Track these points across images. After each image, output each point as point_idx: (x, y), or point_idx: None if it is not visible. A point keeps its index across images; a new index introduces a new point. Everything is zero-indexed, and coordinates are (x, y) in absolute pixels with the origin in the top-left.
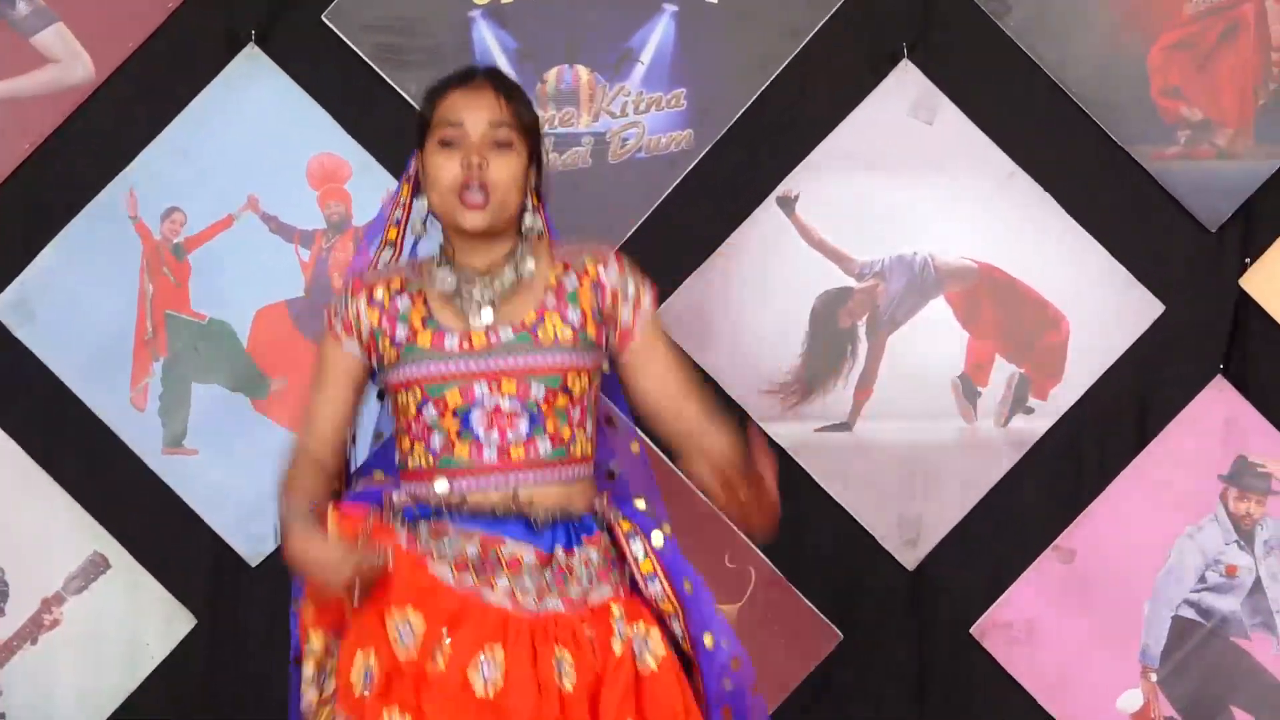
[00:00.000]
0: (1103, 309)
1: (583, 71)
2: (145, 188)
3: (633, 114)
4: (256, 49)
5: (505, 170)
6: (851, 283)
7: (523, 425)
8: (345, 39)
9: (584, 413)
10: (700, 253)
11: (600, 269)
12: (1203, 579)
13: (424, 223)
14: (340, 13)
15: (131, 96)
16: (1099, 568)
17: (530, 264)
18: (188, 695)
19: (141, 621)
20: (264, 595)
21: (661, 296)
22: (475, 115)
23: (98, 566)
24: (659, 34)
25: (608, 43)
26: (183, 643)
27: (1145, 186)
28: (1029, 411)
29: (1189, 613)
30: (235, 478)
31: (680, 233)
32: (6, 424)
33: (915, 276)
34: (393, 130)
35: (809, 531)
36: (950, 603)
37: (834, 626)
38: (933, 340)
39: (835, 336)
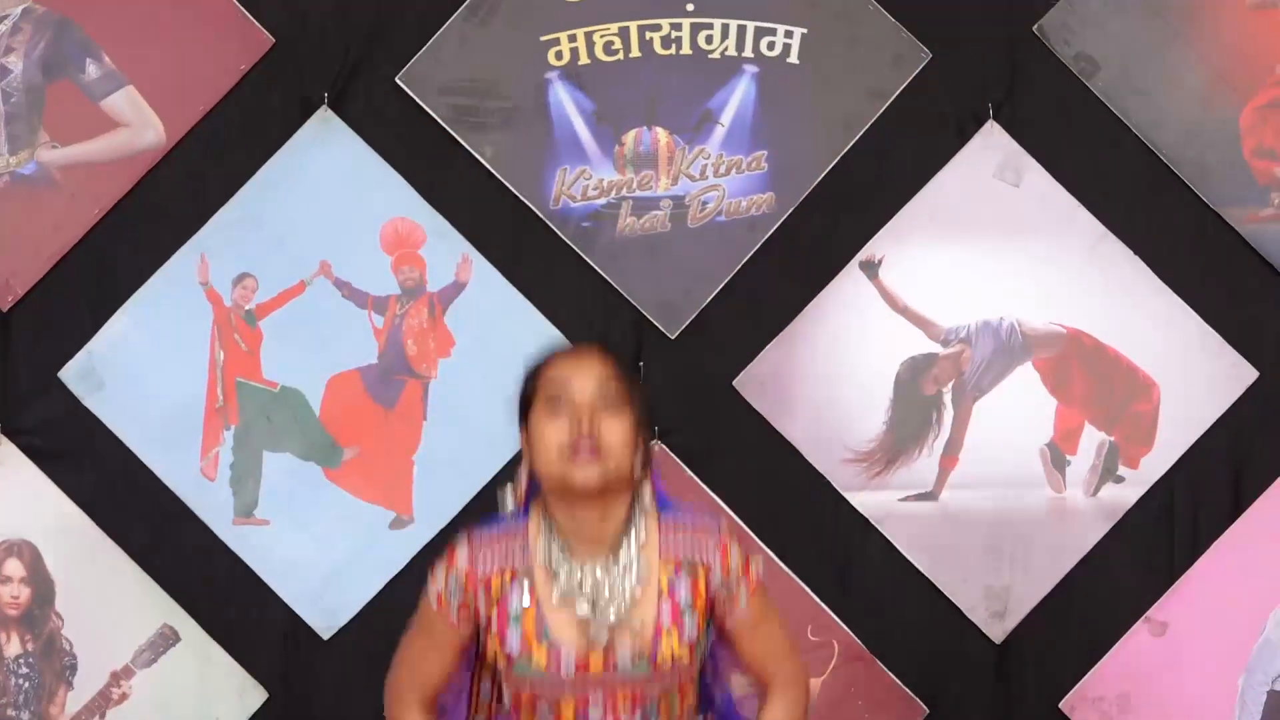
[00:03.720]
0: (1195, 375)
1: (661, 134)
2: (216, 253)
3: (712, 177)
4: (329, 112)
5: (617, 430)
6: (937, 349)
7: (638, 718)
8: (419, 101)
9: (693, 685)
10: (781, 319)
11: (715, 566)
12: None
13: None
14: (414, 75)
15: (202, 161)
16: (1192, 641)
17: (638, 557)
18: None
19: (212, 695)
20: (336, 668)
21: (741, 364)
22: (583, 379)
23: (167, 639)
24: (739, 95)
25: (687, 104)
26: (255, 716)
27: (1238, 249)
28: (1119, 480)
29: None
30: (307, 548)
31: (761, 298)
32: (76, 494)
33: (1002, 342)
34: (468, 194)
35: (893, 603)
36: (1039, 676)
37: (920, 701)
38: (1020, 407)
39: (920, 404)
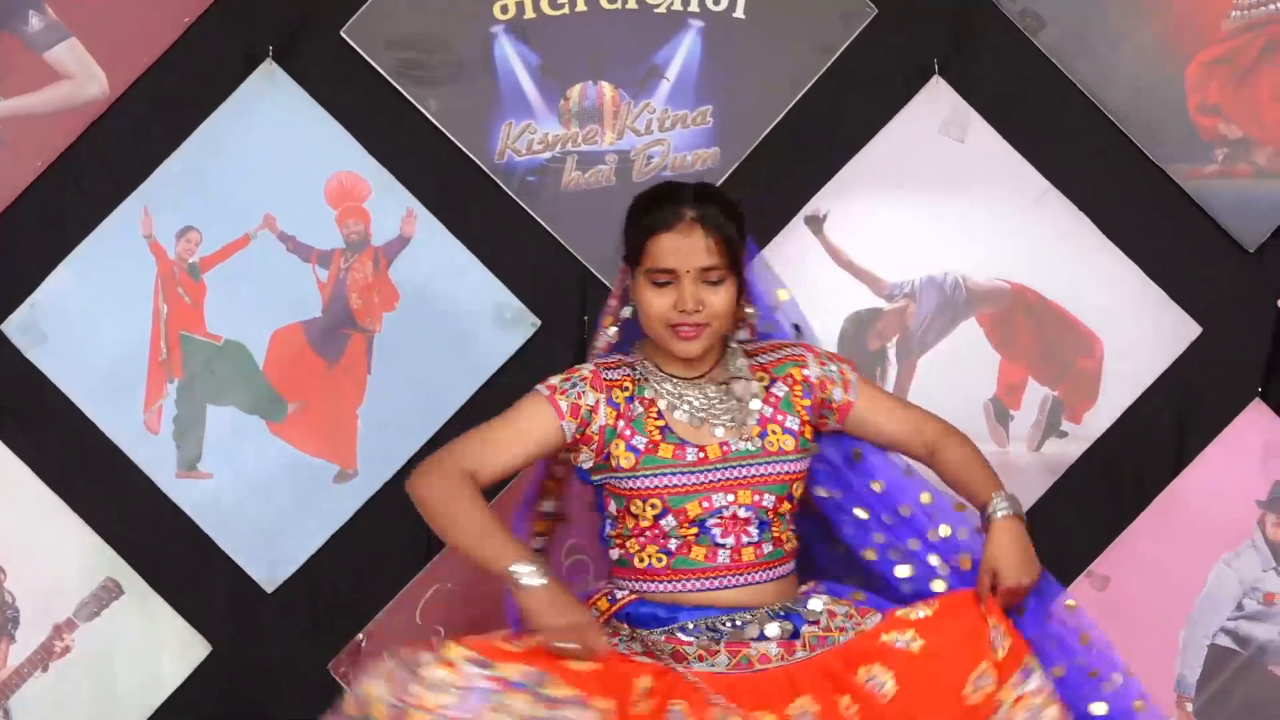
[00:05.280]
0: (1138, 331)
1: (607, 88)
2: (160, 206)
3: (658, 131)
4: (274, 66)
5: (718, 304)
6: (881, 304)
7: (754, 530)
8: (365, 55)
9: (795, 515)
10: None
11: (803, 371)
12: (1240, 606)
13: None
14: (360, 29)
15: (146, 114)
16: (1134, 595)
17: (745, 381)
18: None
19: (155, 648)
20: (279, 621)
21: None
22: (688, 260)
23: (110, 592)
24: (685, 50)
25: (632, 59)
26: (198, 670)
27: (1182, 206)
28: (1062, 435)
29: (1226, 641)
30: (251, 502)
31: None
32: (17, 447)
33: (946, 298)
34: (413, 148)
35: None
36: None
37: None
38: (964, 363)
39: (864, 359)
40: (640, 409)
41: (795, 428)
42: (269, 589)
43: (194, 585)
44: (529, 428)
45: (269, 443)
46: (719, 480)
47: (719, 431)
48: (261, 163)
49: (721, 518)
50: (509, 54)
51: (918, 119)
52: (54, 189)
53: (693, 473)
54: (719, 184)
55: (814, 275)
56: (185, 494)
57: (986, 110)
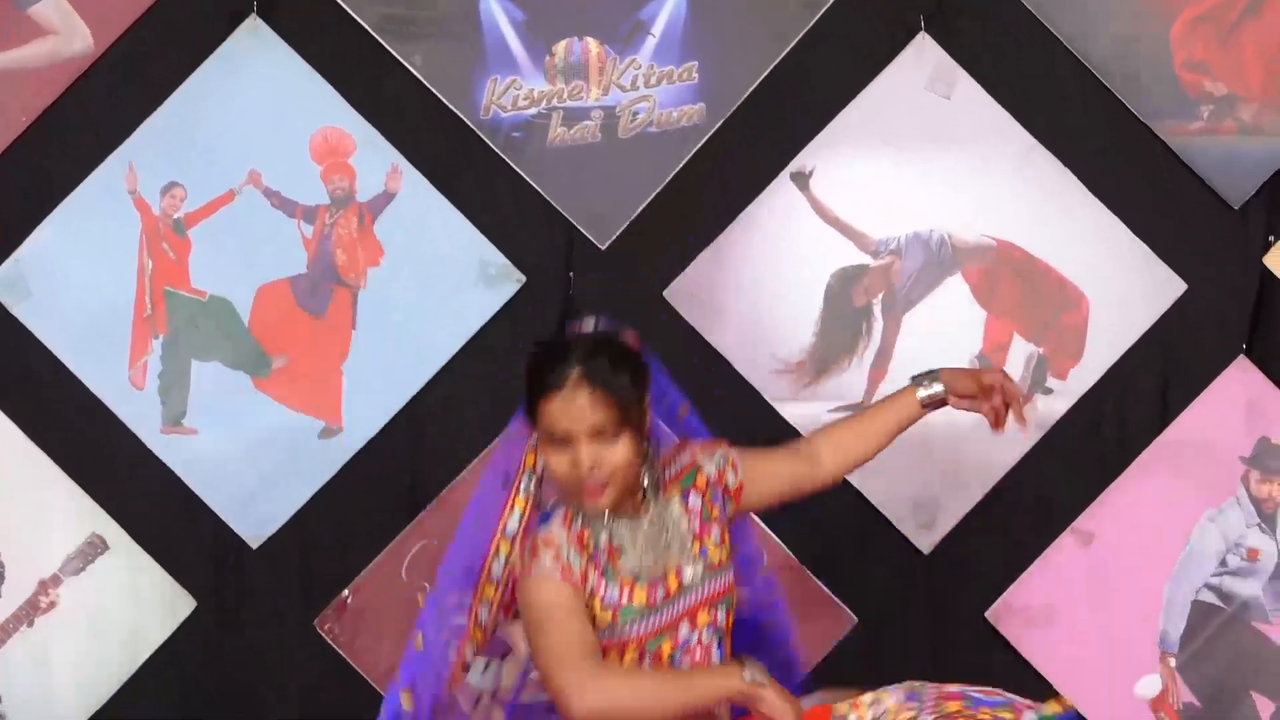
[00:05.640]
0: (1123, 288)
1: (592, 44)
2: (145, 162)
3: (643, 88)
4: (259, 21)
5: (617, 460)
6: (867, 260)
7: (714, 651)
8: (350, 11)
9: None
10: (712, 229)
11: (703, 474)
12: (1223, 563)
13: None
14: None
15: (131, 69)
16: (1118, 551)
17: (674, 509)
18: (188, 677)
19: (140, 603)
20: (265, 578)
21: (671, 274)
22: (578, 422)
23: (96, 548)
24: (670, 6)
25: (618, 15)
26: (183, 625)
27: (1167, 162)
28: (1048, 392)
29: (1209, 597)
30: (236, 458)
31: (691, 209)
32: (3, 402)
33: (932, 254)
34: (398, 103)
35: (823, 514)
36: (966, 587)
37: (848, 610)
38: (950, 319)
39: (850, 315)
40: (605, 557)
41: (718, 537)
42: (254, 545)
43: (179, 541)
44: (576, 607)
45: (254, 398)
46: (682, 611)
47: (672, 563)
48: (246, 118)
49: (688, 648)
50: (494, 9)
51: (903, 75)
52: (38, 145)
53: (661, 612)
54: (705, 140)
55: (799, 231)
56: (170, 450)
57: (972, 67)
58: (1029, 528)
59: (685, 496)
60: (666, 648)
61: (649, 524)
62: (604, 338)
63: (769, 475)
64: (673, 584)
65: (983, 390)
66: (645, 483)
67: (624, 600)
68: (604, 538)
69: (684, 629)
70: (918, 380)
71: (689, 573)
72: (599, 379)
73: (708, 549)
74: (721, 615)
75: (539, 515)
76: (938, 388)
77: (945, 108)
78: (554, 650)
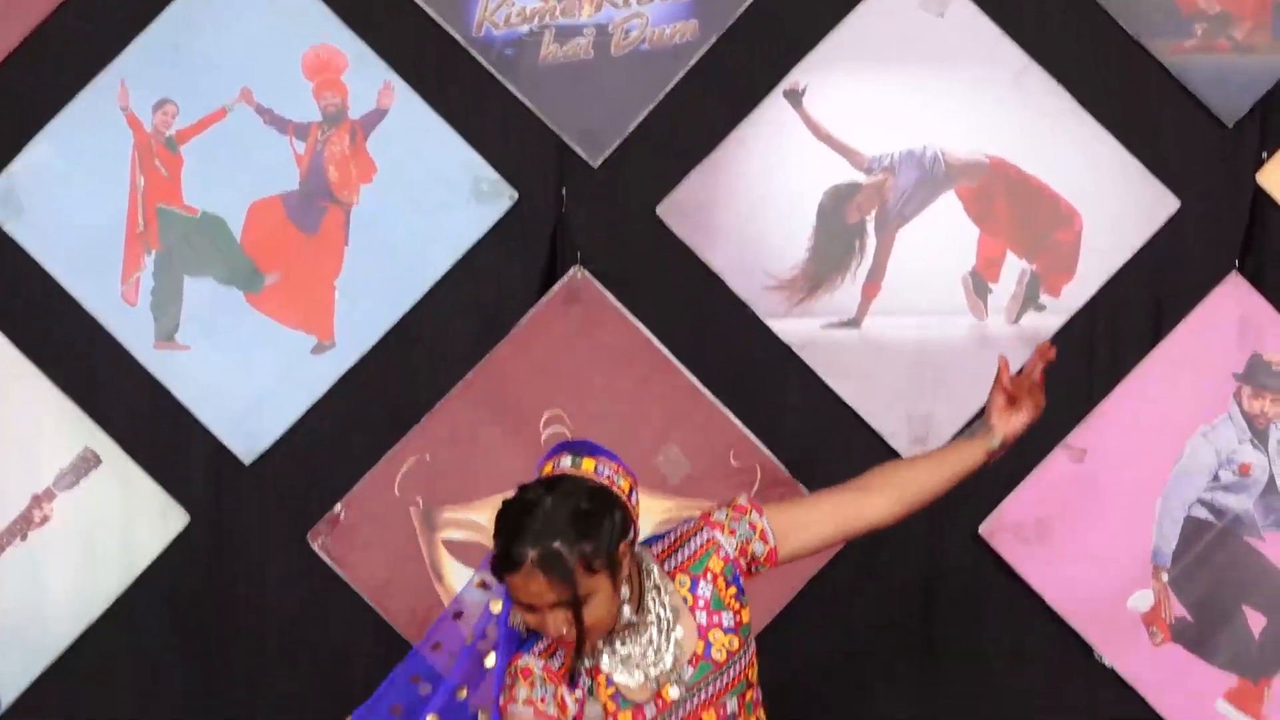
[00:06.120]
0: (1116, 205)
1: None
2: (137, 79)
3: (636, 4)
4: None
5: (590, 618)
6: (860, 177)
7: None
8: None
9: (757, 686)
10: (704, 147)
11: (720, 554)
12: (1216, 478)
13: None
14: None
15: None
16: (1110, 467)
17: (670, 611)
18: (181, 592)
19: (134, 518)
20: (258, 493)
21: (664, 191)
22: (539, 598)
23: (89, 463)
24: None
25: None
26: (176, 540)
27: (1161, 80)
28: (1040, 308)
29: (1201, 512)
30: (229, 374)
31: (684, 127)
32: None
33: (925, 171)
34: (390, 20)
35: (816, 429)
36: (959, 503)
37: None
38: (943, 236)
39: (843, 232)
40: (589, 681)
41: (732, 623)
42: (247, 460)
43: (172, 456)
44: None
45: (246, 314)
46: (684, 715)
47: (665, 679)
48: (238, 35)
49: None
50: None
51: None
52: (31, 61)
53: None
54: (697, 58)
55: (792, 149)
56: (163, 365)
57: None
58: (1021, 443)
59: (694, 585)
60: None
61: (638, 643)
62: (568, 497)
63: (809, 524)
64: (669, 692)
65: (1014, 394)
66: (646, 564)
67: None
68: (588, 663)
69: None
70: (972, 433)
71: (688, 677)
72: (553, 566)
73: (712, 646)
74: (733, 704)
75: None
76: (995, 441)
77: (938, 26)
78: None
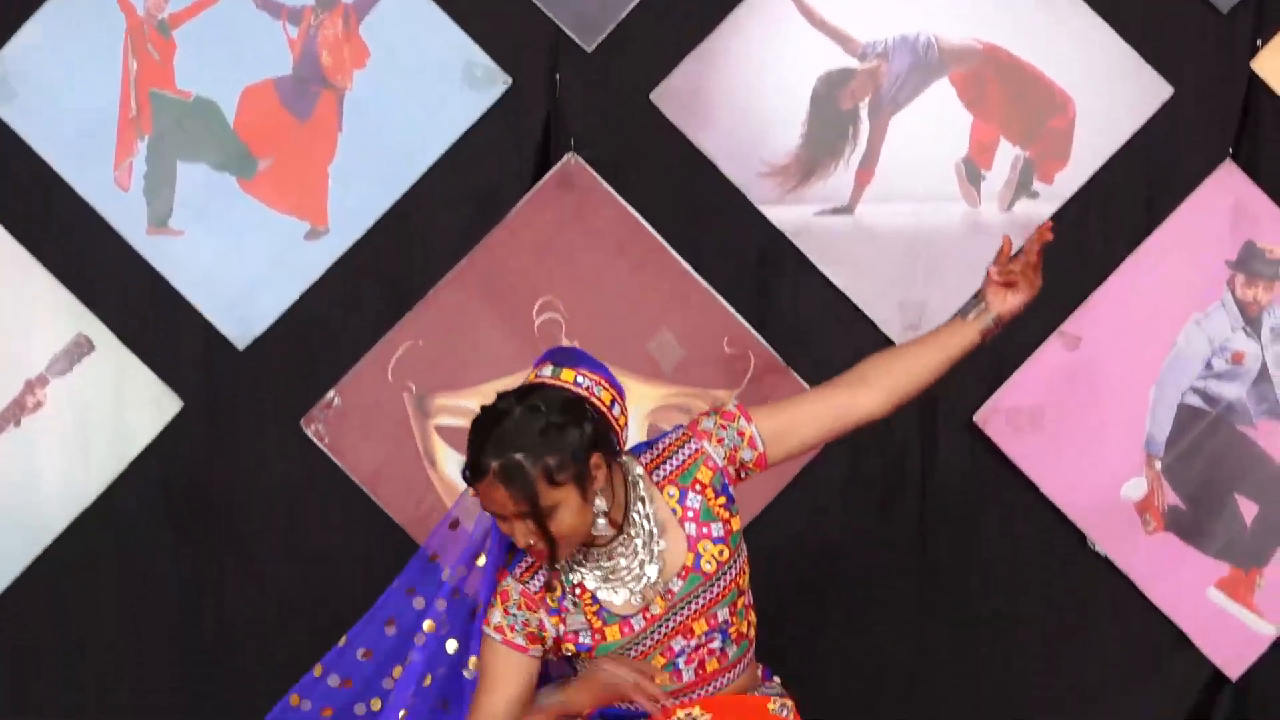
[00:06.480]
0: (1110, 92)
1: None
2: None
3: None
4: None
5: (558, 530)
6: (853, 63)
7: (715, 645)
8: None
9: (748, 590)
10: (699, 33)
11: (708, 465)
12: (1209, 366)
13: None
14: None
15: None
16: (1104, 355)
17: (657, 523)
18: (174, 477)
19: (127, 404)
20: (251, 378)
21: (658, 77)
22: (504, 508)
23: (82, 348)
24: None
25: None
26: (170, 425)
27: None
28: (1033, 195)
29: (1195, 400)
30: (223, 259)
31: (679, 12)
32: None
33: (919, 57)
34: None
35: (809, 316)
36: (954, 390)
37: None
38: (936, 122)
39: (836, 118)
40: (572, 599)
41: (721, 533)
42: (241, 346)
43: (166, 342)
44: (507, 676)
45: (240, 200)
46: (674, 627)
47: (651, 593)
48: None
49: (689, 656)
50: None
51: None
52: None
53: (647, 637)
54: None
55: (786, 35)
56: (156, 251)
57: None
58: (1015, 330)
59: (683, 497)
60: (659, 660)
61: (623, 557)
62: (536, 408)
63: (799, 424)
64: (659, 605)
65: (1011, 277)
66: (632, 474)
67: (597, 641)
68: (573, 579)
69: (679, 643)
70: (965, 312)
71: (679, 589)
72: (514, 477)
73: (702, 557)
74: (724, 613)
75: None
76: (989, 317)
77: None
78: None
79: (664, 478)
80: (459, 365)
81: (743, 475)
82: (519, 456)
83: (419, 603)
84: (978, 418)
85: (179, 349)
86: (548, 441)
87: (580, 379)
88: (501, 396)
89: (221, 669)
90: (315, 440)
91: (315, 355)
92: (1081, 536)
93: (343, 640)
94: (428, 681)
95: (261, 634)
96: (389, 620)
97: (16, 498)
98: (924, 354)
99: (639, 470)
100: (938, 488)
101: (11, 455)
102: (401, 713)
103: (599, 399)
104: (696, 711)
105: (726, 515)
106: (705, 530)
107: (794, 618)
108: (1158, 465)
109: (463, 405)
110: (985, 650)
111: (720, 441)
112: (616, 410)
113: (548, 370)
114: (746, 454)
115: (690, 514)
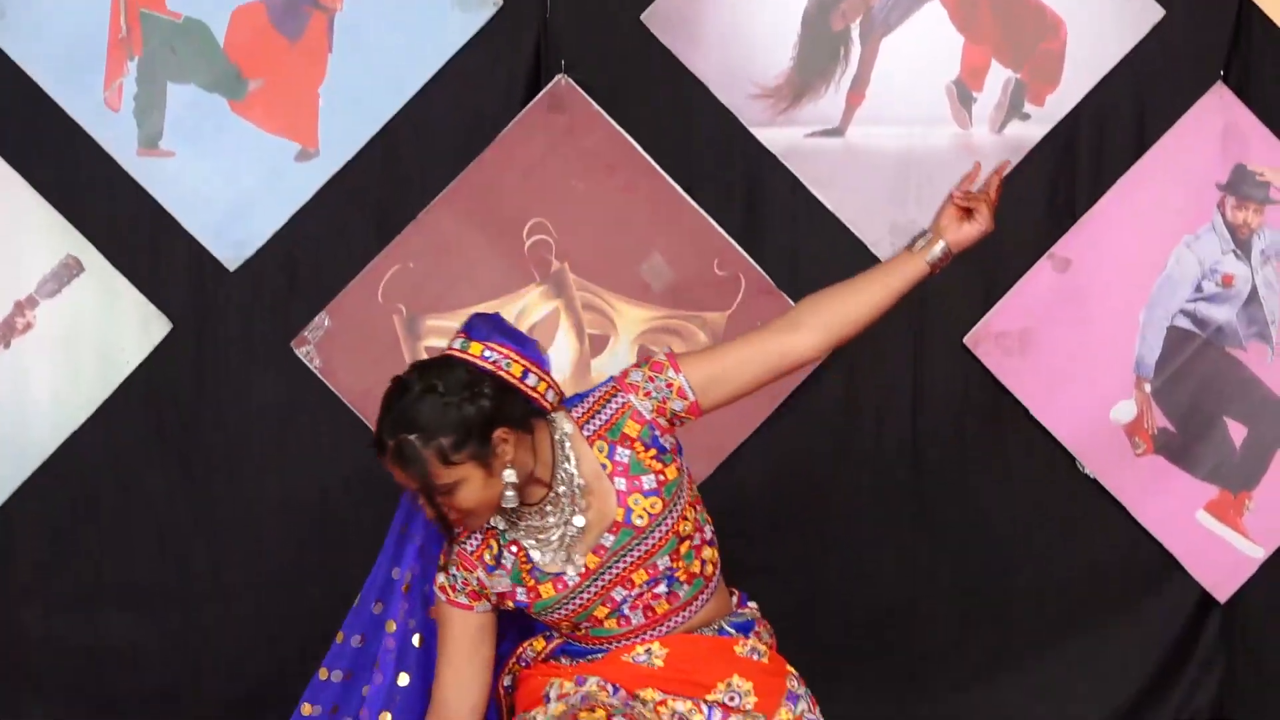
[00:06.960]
0: (1101, 13)
1: None
2: None
3: None
4: None
5: (462, 503)
6: None
7: (661, 589)
8: None
9: (701, 529)
10: None
11: (635, 419)
12: (1199, 289)
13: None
14: None
15: None
16: (1094, 277)
17: (583, 480)
18: (164, 399)
19: (117, 325)
20: (241, 299)
21: None
22: (407, 482)
23: (71, 270)
24: None
25: None
26: (159, 347)
27: None
28: (1025, 118)
29: (1184, 323)
30: (213, 181)
31: None
32: None
33: None
34: None
35: (799, 237)
36: (944, 312)
37: None
38: (927, 44)
39: (827, 39)
40: (510, 558)
41: (654, 484)
42: (231, 267)
43: (156, 263)
44: (459, 635)
45: (230, 121)
46: (612, 578)
47: (579, 551)
48: None
49: (634, 603)
50: None
51: None
52: None
53: (584, 591)
54: None
55: None
56: (146, 172)
57: None
58: (1005, 253)
59: (612, 451)
60: (601, 611)
61: (551, 515)
62: (433, 387)
63: (731, 371)
64: (592, 560)
65: (969, 208)
66: (559, 432)
67: (533, 598)
68: (508, 537)
69: (619, 593)
70: (912, 244)
71: (610, 544)
72: (408, 458)
73: (632, 512)
74: (665, 560)
75: None
76: (938, 246)
77: None
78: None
79: (594, 432)
80: (449, 287)
81: (675, 424)
82: (412, 437)
83: (396, 573)
84: (968, 340)
85: (169, 271)
86: (443, 421)
87: (488, 352)
88: (409, 369)
89: (212, 588)
90: (305, 362)
91: (305, 277)
92: (1071, 459)
93: (339, 637)
94: (418, 642)
95: (251, 555)
96: (376, 601)
97: (6, 419)
98: (864, 291)
99: (568, 428)
100: (929, 409)
101: (2, 376)
102: (404, 675)
103: (507, 373)
104: (656, 647)
105: (659, 466)
106: (636, 484)
107: (786, 537)
108: (1147, 388)
109: (453, 327)
110: (976, 572)
111: (648, 395)
112: (532, 380)
113: (459, 342)
114: (677, 404)
115: (620, 468)
